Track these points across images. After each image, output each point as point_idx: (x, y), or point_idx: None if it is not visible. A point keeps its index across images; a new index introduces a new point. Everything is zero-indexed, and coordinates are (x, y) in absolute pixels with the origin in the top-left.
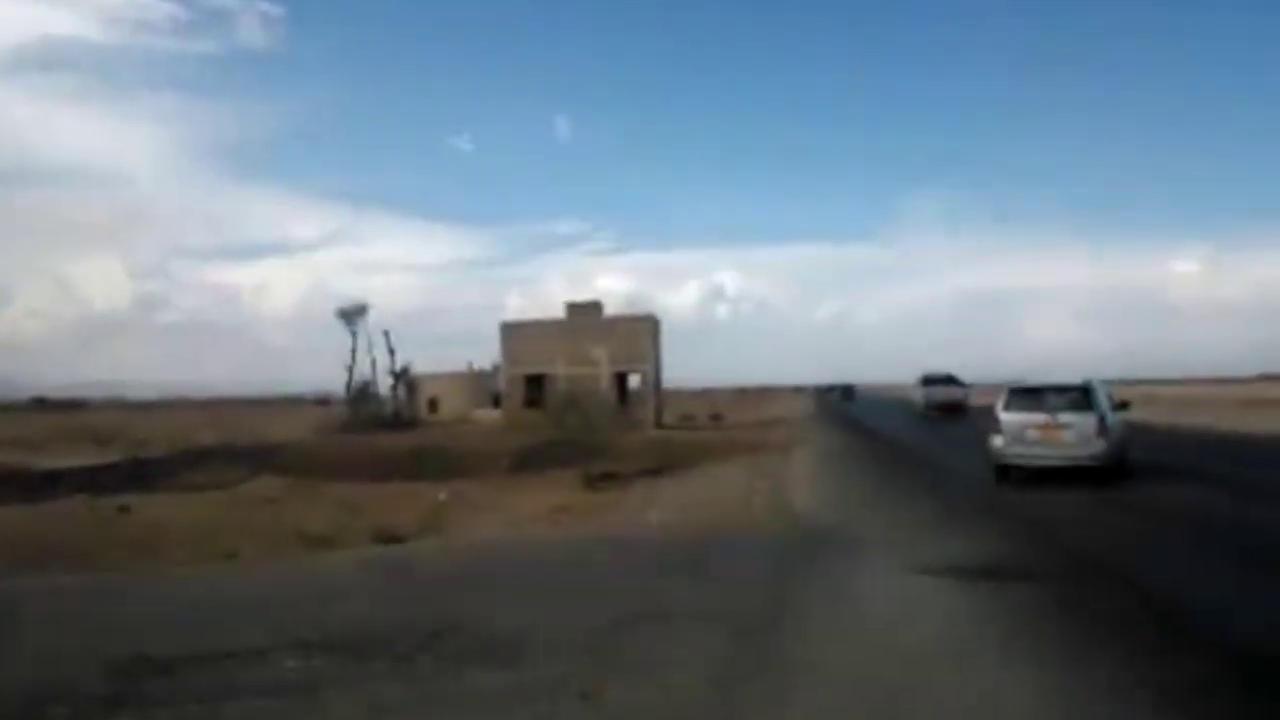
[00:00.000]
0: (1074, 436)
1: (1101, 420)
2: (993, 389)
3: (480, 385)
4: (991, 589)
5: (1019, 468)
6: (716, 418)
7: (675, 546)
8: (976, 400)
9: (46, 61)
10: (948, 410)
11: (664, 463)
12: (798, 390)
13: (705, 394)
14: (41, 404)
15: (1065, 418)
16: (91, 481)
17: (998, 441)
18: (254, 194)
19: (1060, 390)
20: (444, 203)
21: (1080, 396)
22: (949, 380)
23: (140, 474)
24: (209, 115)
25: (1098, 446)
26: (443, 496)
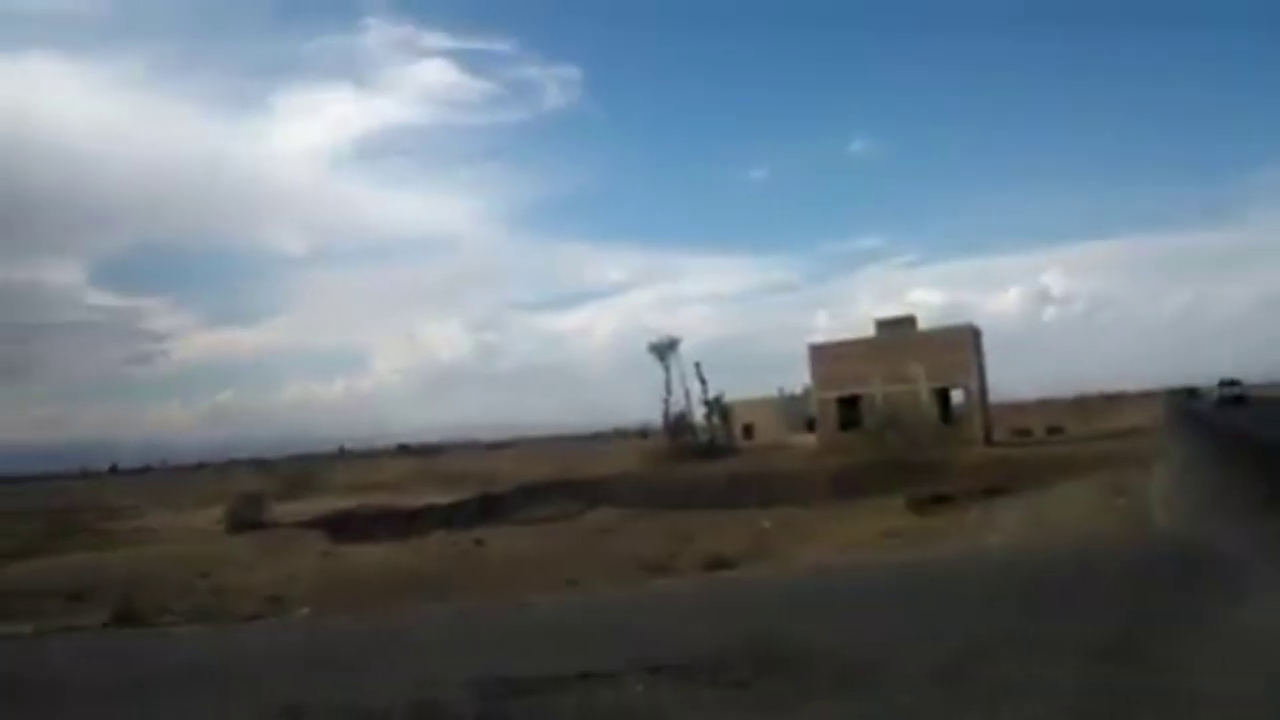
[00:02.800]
0: None
1: None
2: None
3: (792, 409)
4: None
5: None
6: (1055, 430)
7: (1022, 570)
8: None
9: (382, 149)
10: None
11: (999, 482)
12: (1147, 395)
13: (1039, 405)
14: (404, 449)
15: None
16: (448, 518)
17: None
18: (567, 246)
19: None
20: (743, 233)
21: None
22: None
23: (489, 509)
24: (521, 178)
25: None
26: (767, 524)
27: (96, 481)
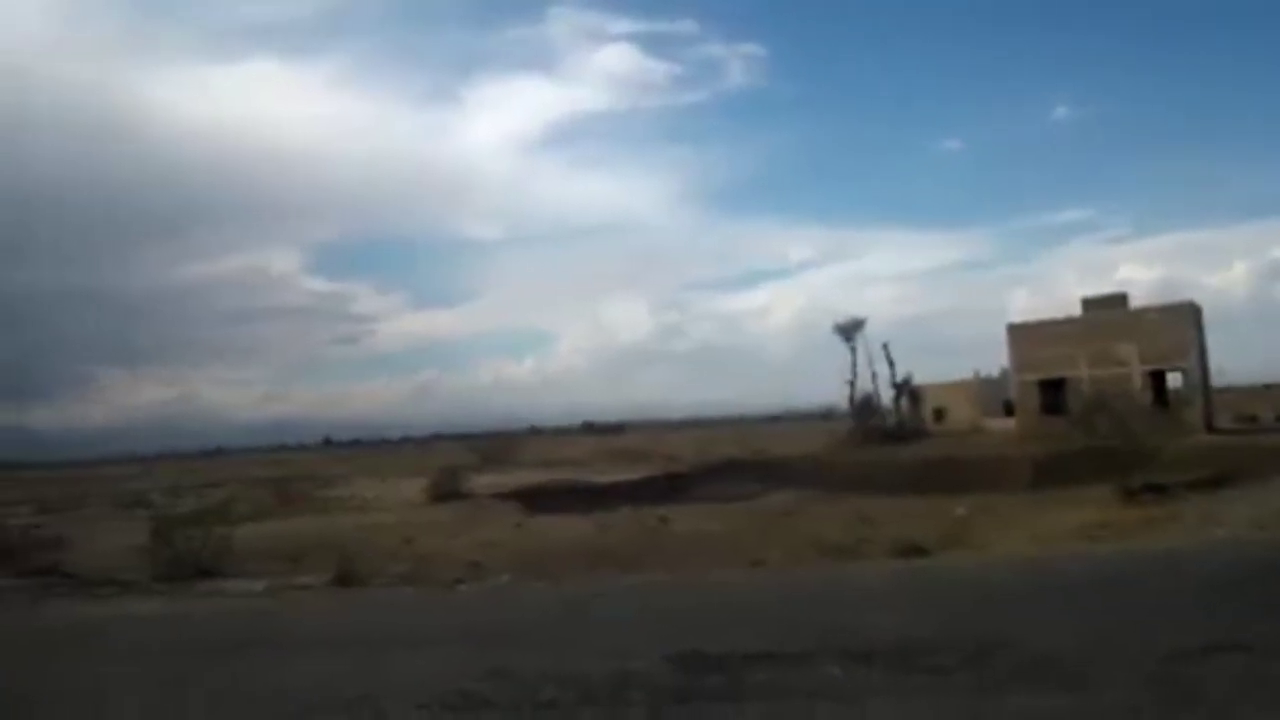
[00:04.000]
0: None
1: None
2: None
3: (989, 393)
4: None
5: None
6: None
7: (1251, 568)
8: None
9: (571, 134)
10: None
11: (1224, 472)
12: None
13: (1271, 390)
14: (589, 428)
15: None
16: (634, 495)
17: None
18: (749, 226)
19: None
20: (934, 208)
21: None
22: None
23: (672, 488)
24: (705, 159)
25: None
26: (961, 510)
27: (311, 453)
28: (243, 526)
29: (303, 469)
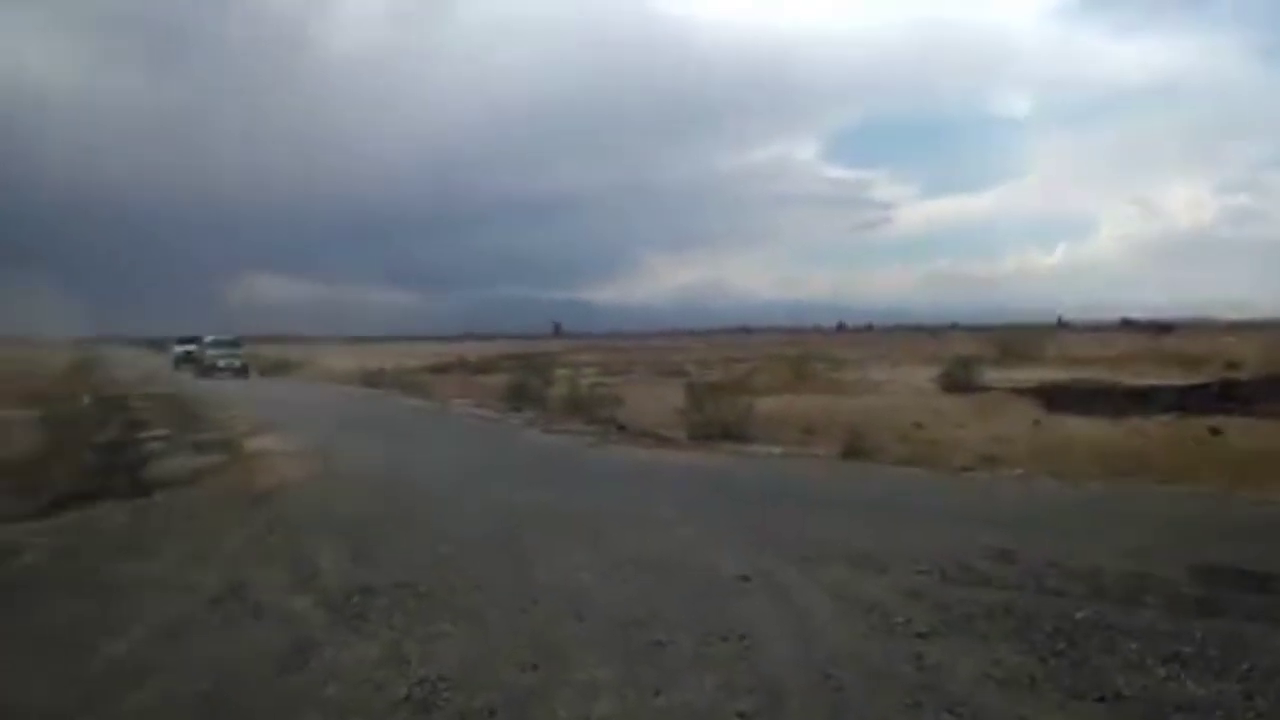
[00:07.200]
0: None
1: None
2: None
3: None
4: None
5: None
6: None
7: None
8: None
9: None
10: None
11: None
12: None
13: None
14: (1127, 324)
15: None
16: (1178, 402)
17: None
18: None
19: None
20: None
21: None
22: None
23: (1228, 397)
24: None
25: None
26: None
27: (825, 336)
28: (762, 398)
29: (816, 349)
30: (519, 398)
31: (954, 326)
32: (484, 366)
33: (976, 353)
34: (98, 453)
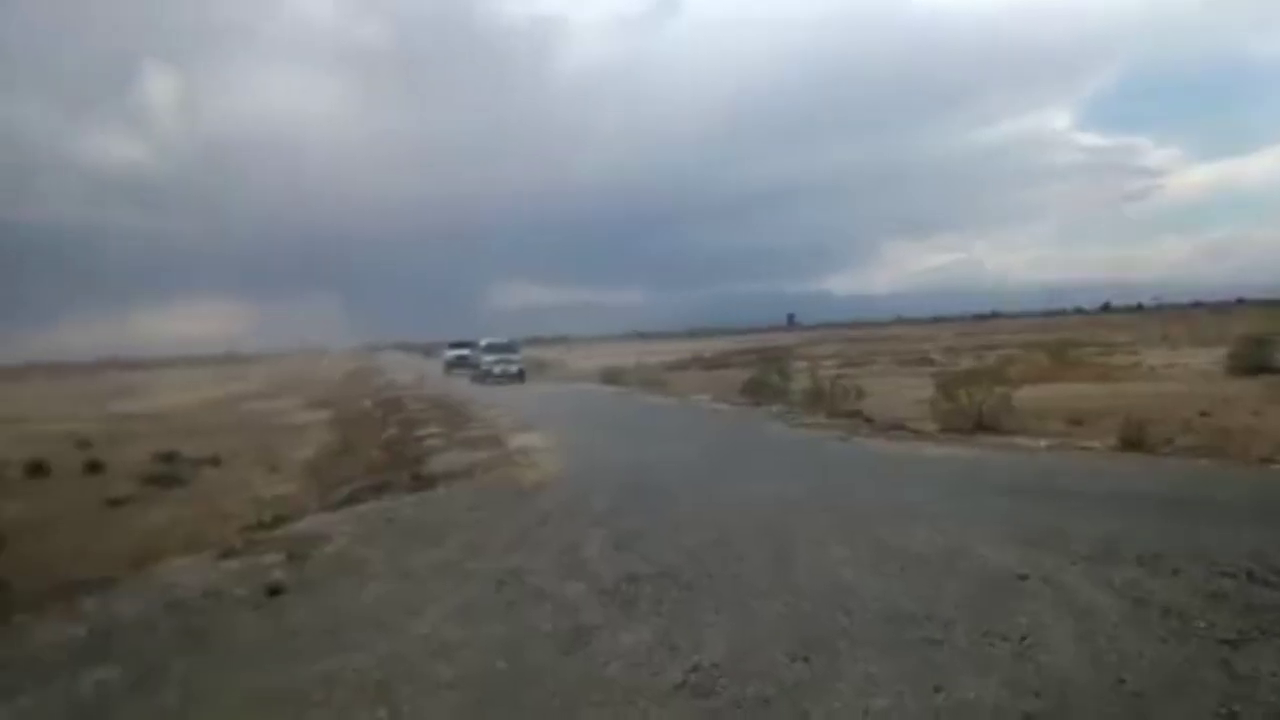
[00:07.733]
0: None
1: None
2: None
3: None
4: None
5: None
6: None
7: None
8: None
9: None
10: None
11: None
12: None
13: None
14: None
15: None
16: None
17: None
18: None
19: None
20: None
21: None
22: None
23: None
24: None
25: None
26: None
27: (1087, 319)
28: (1020, 388)
29: (1078, 334)
30: (759, 392)
31: (1240, 302)
32: (719, 361)
33: (1271, 330)
34: (383, 450)
